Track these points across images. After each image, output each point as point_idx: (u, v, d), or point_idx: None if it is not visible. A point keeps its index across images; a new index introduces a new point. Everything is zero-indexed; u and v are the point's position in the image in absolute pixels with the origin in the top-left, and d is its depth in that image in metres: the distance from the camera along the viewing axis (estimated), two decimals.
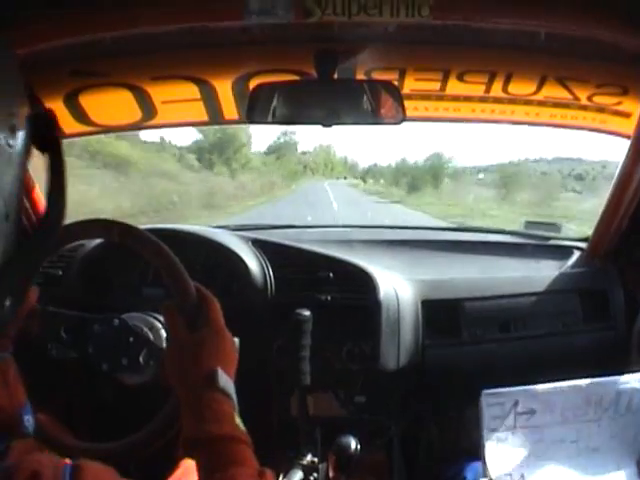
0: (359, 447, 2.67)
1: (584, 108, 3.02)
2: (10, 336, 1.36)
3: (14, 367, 1.22)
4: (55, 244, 1.84)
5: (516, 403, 1.75)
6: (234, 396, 1.66)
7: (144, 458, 1.88)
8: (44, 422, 1.82)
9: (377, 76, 2.81)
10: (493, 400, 1.75)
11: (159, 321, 2.21)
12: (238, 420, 1.62)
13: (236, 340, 2.05)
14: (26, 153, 1.21)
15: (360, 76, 2.79)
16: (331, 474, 2.67)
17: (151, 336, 2.12)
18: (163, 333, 2.18)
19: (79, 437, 2.13)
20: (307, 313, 2.66)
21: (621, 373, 2.25)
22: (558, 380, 2.29)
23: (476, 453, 2.09)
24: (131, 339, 2.07)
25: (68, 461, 1.10)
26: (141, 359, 2.06)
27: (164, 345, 2.13)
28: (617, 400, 1.75)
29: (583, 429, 1.75)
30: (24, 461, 1.05)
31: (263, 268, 2.97)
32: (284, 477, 2.64)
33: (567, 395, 1.75)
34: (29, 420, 1.22)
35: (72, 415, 2.53)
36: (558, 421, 1.75)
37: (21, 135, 1.18)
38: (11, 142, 1.14)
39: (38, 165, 1.29)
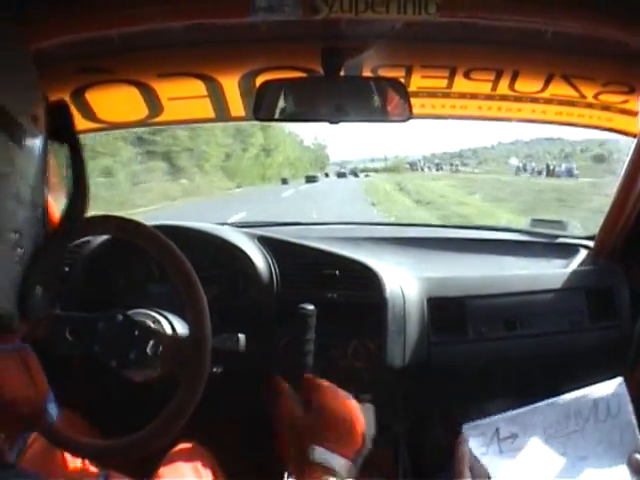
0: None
1: (590, 106, 3.02)
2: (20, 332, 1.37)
3: (35, 357, 1.22)
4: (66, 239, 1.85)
5: (497, 430, 1.76)
6: (335, 465, 1.76)
7: (155, 450, 1.89)
8: (62, 418, 1.83)
9: (384, 73, 2.81)
10: (475, 432, 1.76)
11: (164, 316, 2.22)
12: None
13: (241, 337, 2.06)
14: (47, 144, 1.24)
15: (367, 73, 2.79)
16: None
17: (154, 345, 2.12)
18: (167, 327, 2.19)
19: (95, 433, 2.14)
20: (311, 307, 2.67)
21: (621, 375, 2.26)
22: (562, 379, 2.30)
23: None
24: (136, 333, 2.07)
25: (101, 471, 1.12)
26: (148, 351, 2.07)
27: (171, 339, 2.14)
28: (595, 408, 1.76)
29: (568, 442, 1.76)
30: None
31: (269, 265, 2.97)
32: (289, 476, 2.64)
33: (546, 413, 1.76)
34: (53, 409, 1.24)
35: (86, 411, 2.53)
36: (542, 439, 1.76)
37: (42, 124, 1.22)
38: (35, 132, 1.18)
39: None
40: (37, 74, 1.25)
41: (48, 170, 1.25)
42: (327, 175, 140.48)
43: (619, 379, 1.78)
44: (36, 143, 1.19)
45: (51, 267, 1.24)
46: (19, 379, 1.15)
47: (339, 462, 1.71)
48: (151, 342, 2.08)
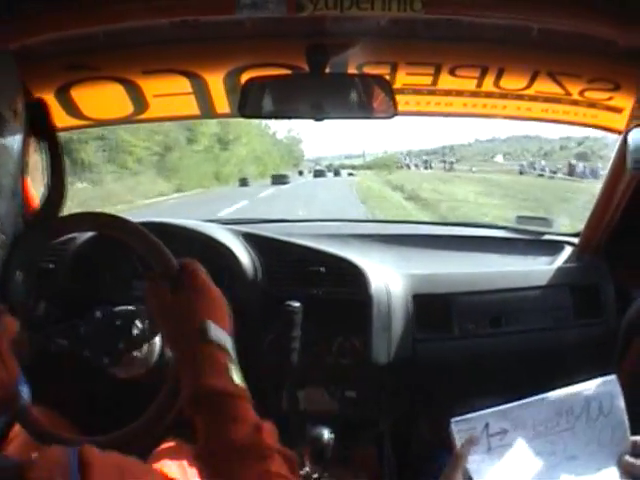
0: (333, 438, 2.67)
1: (576, 103, 3.02)
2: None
3: (6, 339, 1.22)
4: (45, 239, 1.85)
5: (487, 425, 1.75)
6: (230, 348, 1.66)
7: (140, 448, 1.88)
8: (40, 416, 1.82)
9: (369, 70, 2.81)
10: (463, 426, 1.74)
11: (149, 312, 2.22)
12: (235, 373, 1.62)
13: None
14: (26, 138, 1.29)
15: (352, 70, 2.79)
16: (308, 466, 2.67)
17: (139, 324, 2.12)
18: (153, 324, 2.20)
19: (74, 431, 2.13)
20: (297, 305, 2.67)
21: (607, 371, 2.25)
22: (548, 376, 2.29)
23: None
24: (118, 328, 2.08)
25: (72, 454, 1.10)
26: (132, 347, 2.07)
27: (156, 336, 2.14)
28: (587, 406, 1.75)
29: (558, 440, 1.75)
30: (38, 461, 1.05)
31: (254, 262, 2.97)
32: None
33: (537, 409, 1.75)
34: (24, 391, 1.23)
35: (66, 409, 2.53)
36: (531, 436, 1.75)
37: (22, 119, 1.27)
38: (15, 126, 1.23)
39: None
40: (17, 70, 1.27)
41: (26, 163, 1.28)
42: (301, 173, 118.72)
43: (612, 376, 1.77)
44: (15, 137, 1.23)
45: (31, 254, 1.27)
46: None
47: (229, 340, 1.68)
48: (134, 338, 2.08)
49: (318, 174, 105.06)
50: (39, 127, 1.36)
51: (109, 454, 1.14)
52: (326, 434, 2.67)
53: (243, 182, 71.24)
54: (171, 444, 2.34)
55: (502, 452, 1.73)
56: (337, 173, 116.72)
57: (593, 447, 1.74)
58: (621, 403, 1.74)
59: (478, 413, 1.74)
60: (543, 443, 1.75)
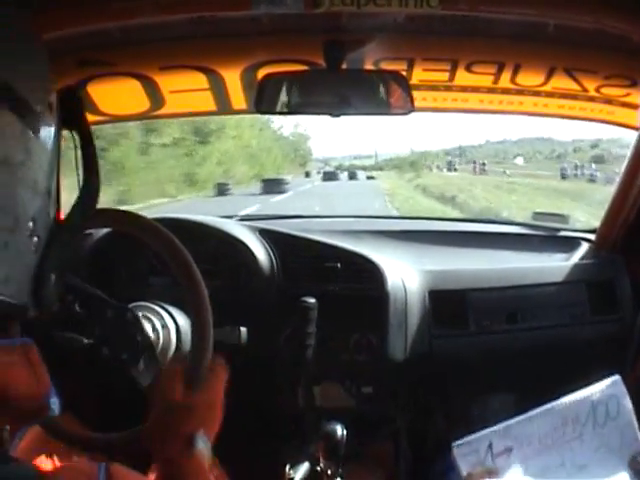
0: (346, 434, 2.67)
1: (592, 99, 3.02)
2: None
3: (37, 351, 1.22)
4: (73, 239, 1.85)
5: (490, 446, 1.72)
6: (209, 457, 1.68)
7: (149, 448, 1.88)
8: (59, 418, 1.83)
9: (385, 66, 2.81)
10: (466, 449, 1.71)
11: (165, 309, 2.23)
12: (215, 473, 1.67)
13: (243, 330, 2.06)
14: (60, 132, 1.26)
15: (368, 66, 2.79)
16: (322, 463, 2.67)
17: (157, 324, 2.13)
18: (169, 320, 2.20)
19: (86, 426, 2.14)
20: (312, 301, 2.67)
21: (623, 367, 2.24)
22: (564, 372, 2.28)
23: None
24: (134, 326, 2.08)
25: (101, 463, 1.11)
26: (147, 345, 2.08)
27: (172, 332, 2.15)
28: (594, 412, 1.72)
29: (566, 451, 1.72)
30: (60, 471, 1.06)
31: (271, 258, 2.97)
32: (291, 468, 2.64)
33: (541, 422, 1.72)
34: (55, 403, 1.23)
35: (79, 405, 2.54)
36: (538, 450, 1.72)
37: (56, 112, 1.24)
38: (49, 120, 1.19)
39: None
40: (48, 62, 1.26)
41: (60, 159, 1.26)
42: (308, 175, 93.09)
43: (616, 377, 1.74)
44: (50, 131, 1.20)
45: (64, 255, 1.25)
46: (22, 374, 1.14)
47: (209, 445, 1.68)
48: (151, 336, 2.09)
49: (329, 177, 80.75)
50: (71, 120, 1.34)
51: (135, 474, 1.15)
52: (339, 430, 2.67)
53: (221, 189, 50.40)
54: None
55: (510, 472, 1.70)
56: (353, 176, 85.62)
57: (603, 453, 1.72)
58: (628, 403, 1.72)
59: (480, 433, 1.70)
60: (551, 455, 1.72)
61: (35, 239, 1.15)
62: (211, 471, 1.63)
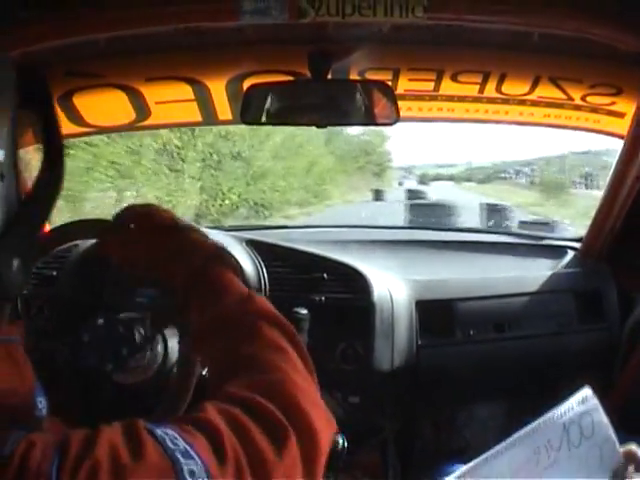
0: (346, 445, 2.66)
1: (578, 108, 3.02)
2: (20, 325, 1.35)
3: (22, 350, 1.20)
4: (49, 245, 1.84)
5: None
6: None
7: None
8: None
9: (371, 76, 2.81)
10: None
11: (151, 319, 2.23)
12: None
13: None
14: (15, 109, 1.21)
15: (354, 76, 2.79)
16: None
17: (142, 330, 2.13)
18: (157, 331, 2.20)
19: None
20: (305, 312, 2.67)
21: (611, 375, 2.24)
22: (551, 381, 2.28)
23: (470, 453, 2.08)
24: (121, 335, 2.07)
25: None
26: (136, 354, 2.07)
27: (159, 342, 2.15)
28: (567, 434, 1.67)
29: (543, 479, 1.68)
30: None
31: (257, 268, 2.97)
32: None
33: (511, 455, 1.66)
34: (42, 402, 1.21)
35: (69, 415, 2.53)
36: None
37: (8, 91, 1.20)
38: (5, 95, 1.17)
39: None
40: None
41: (18, 139, 1.22)
42: (379, 196, 51.75)
43: (586, 392, 1.71)
44: (4, 109, 1.18)
45: (27, 238, 1.21)
46: (6, 373, 1.13)
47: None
48: (138, 344, 2.08)
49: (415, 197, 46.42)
50: (32, 96, 1.29)
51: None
52: (340, 441, 2.67)
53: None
54: None
55: None
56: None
57: (583, 473, 1.68)
58: (603, 417, 1.67)
59: (447, 478, 1.66)
60: None
61: None
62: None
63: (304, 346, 1.45)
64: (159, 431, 1.06)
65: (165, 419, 1.68)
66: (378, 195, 51.86)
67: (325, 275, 2.94)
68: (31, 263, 1.22)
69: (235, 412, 1.14)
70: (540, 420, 1.64)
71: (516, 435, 1.61)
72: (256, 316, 1.43)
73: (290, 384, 1.26)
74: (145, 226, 1.64)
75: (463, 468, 1.59)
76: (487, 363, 3.09)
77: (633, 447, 1.68)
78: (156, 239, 1.62)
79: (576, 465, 1.64)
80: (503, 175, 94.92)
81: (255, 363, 1.30)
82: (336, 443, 2.67)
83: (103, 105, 2.96)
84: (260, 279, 2.95)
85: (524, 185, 75.49)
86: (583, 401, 1.67)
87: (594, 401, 1.66)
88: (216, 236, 2.94)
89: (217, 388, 1.26)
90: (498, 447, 1.59)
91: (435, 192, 54.38)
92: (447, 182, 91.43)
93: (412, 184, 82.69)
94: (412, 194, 49.61)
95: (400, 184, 74.94)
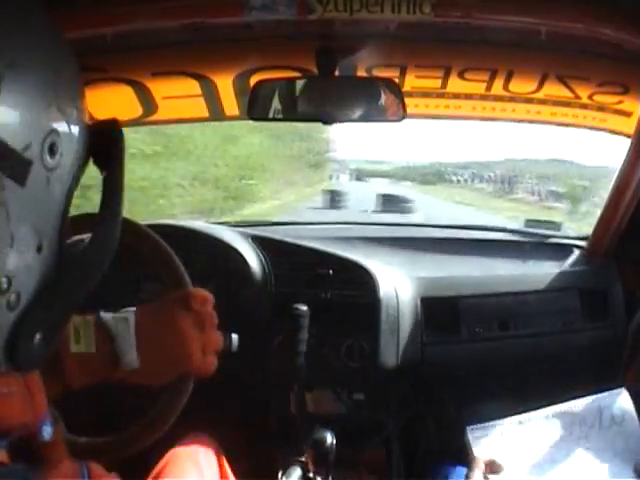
0: (334, 442, 2.66)
1: (585, 107, 3.02)
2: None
3: (39, 380, 1.17)
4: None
5: (502, 435, 1.76)
6: None
7: (138, 452, 1.88)
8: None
9: (378, 73, 2.81)
10: (479, 434, 1.75)
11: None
12: None
13: (235, 336, 2.05)
14: (74, 174, 1.11)
15: (361, 73, 2.79)
16: (311, 469, 2.67)
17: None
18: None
19: (74, 432, 2.13)
20: (304, 308, 2.67)
21: (615, 373, 2.25)
22: (556, 378, 2.29)
23: None
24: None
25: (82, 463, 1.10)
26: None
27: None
28: (600, 416, 1.75)
29: (573, 447, 1.75)
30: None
31: (263, 265, 2.97)
32: (283, 474, 2.63)
33: (551, 420, 1.75)
34: (47, 430, 1.19)
35: (66, 410, 2.53)
36: (547, 445, 1.75)
37: (67, 151, 1.07)
38: (49, 162, 1.02)
39: None
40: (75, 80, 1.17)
41: (68, 206, 1.10)
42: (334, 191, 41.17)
43: (621, 389, 1.77)
44: (50, 178, 1.03)
45: (56, 313, 1.13)
46: (17, 405, 1.11)
47: None
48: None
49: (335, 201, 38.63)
50: (102, 157, 1.19)
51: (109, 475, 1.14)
52: (329, 437, 2.66)
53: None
54: (175, 453, 2.33)
55: (519, 463, 1.73)
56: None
57: (609, 454, 1.74)
58: (633, 414, 1.74)
59: (493, 422, 1.73)
60: (558, 452, 1.75)
61: (12, 296, 1.02)
62: None
63: None
64: None
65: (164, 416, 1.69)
66: (334, 200, 37.19)
67: (331, 272, 2.94)
68: (55, 337, 1.15)
69: None
70: (577, 401, 1.72)
71: (555, 407, 1.70)
72: None
73: None
74: None
75: (511, 418, 1.68)
76: (492, 361, 3.09)
77: None
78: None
79: (603, 444, 1.74)
80: (447, 177, 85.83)
81: None
82: (324, 439, 2.67)
83: (110, 100, 2.96)
84: (266, 276, 2.95)
85: (472, 187, 71.44)
86: (619, 394, 1.75)
87: (628, 399, 1.74)
88: (222, 232, 2.95)
89: None
90: (540, 411, 1.69)
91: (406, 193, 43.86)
92: (383, 179, 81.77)
93: (345, 179, 77.04)
94: (387, 203, 35.93)
95: (331, 178, 66.97)
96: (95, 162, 1.18)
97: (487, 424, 1.75)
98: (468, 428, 1.75)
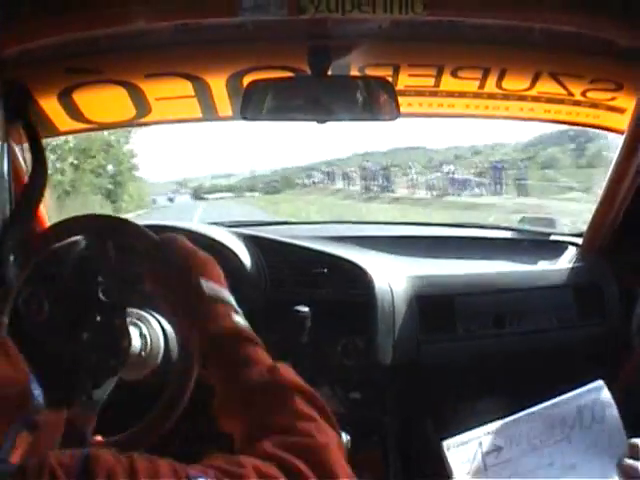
0: (350, 441, 2.67)
1: (578, 104, 3.02)
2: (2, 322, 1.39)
3: (11, 343, 1.22)
4: (48, 242, 1.86)
5: (480, 444, 1.75)
6: (229, 299, 1.78)
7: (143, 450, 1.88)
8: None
9: (371, 72, 2.81)
10: (456, 447, 1.74)
11: (153, 315, 2.23)
12: (240, 319, 1.73)
13: None
14: (4, 120, 1.29)
15: (354, 72, 2.79)
16: None
17: (145, 329, 2.13)
18: (156, 326, 2.21)
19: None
20: (305, 310, 2.67)
21: (611, 371, 2.25)
22: (551, 376, 2.29)
23: None
24: (119, 333, 2.08)
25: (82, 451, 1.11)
26: (136, 349, 2.08)
27: (160, 338, 2.16)
28: (580, 415, 1.74)
29: (555, 451, 1.74)
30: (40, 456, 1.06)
31: (258, 264, 2.97)
32: None
33: (530, 424, 1.74)
34: (37, 391, 1.22)
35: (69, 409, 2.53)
36: (527, 450, 1.74)
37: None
38: None
39: None
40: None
41: (8, 143, 1.30)
42: None
43: (599, 383, 1.76)
44: None
45: (20, 235, 1.27)
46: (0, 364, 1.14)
47: (226, 293, 1.72)
48: (138, 340, 2.09)
49: None
50: (17, 112, 1.41)
51: (116, 457, 1.14)
52: (344, 437, 2.67)
53: None
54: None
55: (499, 472, 1.72)
56: None
57: (591, 454, 1.73)
58: (613, 410, 1.74)
59: (470, 433, 1.73)
60: (540, 456, 1.74)
61: None
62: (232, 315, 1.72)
63: (331, 414, 1.54)
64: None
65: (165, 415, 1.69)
66: None
67: (326, 271, 2.94)
68: (24, 257, 1.28)
69: (271, 470, 1.19)
70: (556, 400, 1.71)
71: (535, 408, 1.69)
72: (285, 387, 1.48)
73: (322, 449, 1.32)
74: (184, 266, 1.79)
75: (487, 426, 1.67)
76: (488, 358, 3.10)
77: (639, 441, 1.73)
78: (184, 289, 1.75)
79: (586, 444, 1.73)
80: (297, 182, 73.69)
81: (289, 429, 1.35)
82: (340, 440, 2.68)
83: (104, 101, 2.96)
84: (261, 275, 2.96)
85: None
86: (596, 390, 1.73)
87: (607, 393, 1.73)
88: (217, 232, 2.95)
89: (248, 444, 1.33)
90: (518, 415, 1.68)
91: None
92: (226, 194, 72.60)
93: (185, 199, 72.07)
94: None
95: (170, 200, 65.44)
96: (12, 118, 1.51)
97: (463, 436, 1.74)
98: (444, 443, 1.75)
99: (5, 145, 1.27)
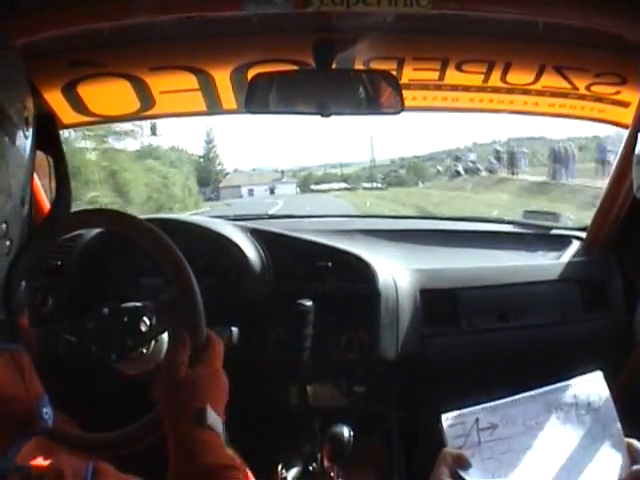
0: (352, 436, 2.67)
1: (583, 98, 3.02)
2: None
3: (28, 359, 1.21)
4: (53, 235, 1.87)
5: (477, 420, 1.76)
6: (221, 431, 1.70)
7: (143, 448, 1.88)
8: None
9: (375, 66, 2.81)
10: (453, 421, 1.75)
11: (154, 308, 2.23)
12: (229, 451, 1.67)
13: (234, 330, 2.06)
14: (34, 147, 1.32)
15: (358, 66, 2.79)
16: (325, 464, 2.68)
17: (147, 320, 2.13)
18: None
19: (80, 427, 2.14)
20: (309, 303, 2.67)
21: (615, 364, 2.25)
22: (555, 370, 2.29)
23: None
24: (126, 324, 2.07)
25: (89, 462, 1.11)
26: (140, 342, 2.08)
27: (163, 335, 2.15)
28: (576, 402, 1.75)
29: (549, 434, 1.76)
30: (48, 461, 1.06)
31: (262, 258, 2.96)
32: (283, 467, 2.64)
33: (526, 406, 1.75)
34: (48, 413, 1.21)
35: (72, 405, 2.53)
36: (522, 431, 1.75)
37: (33, 128, 1.29)
38: (27, 133, 1.25)
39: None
40: (27, 79, 1.30)
41: (34, 170, 1.32)
42: None
43: (598, 374, 1.77)
44: (26, 145, 1.26)
45: (36, 262, 1.28)
46: (10, 379, 1.14)
47: (220, 423, 1.71)
48: (142, 334, 2.08)
49: None
50: (47, 143, 1.43)
51: (121, 475, 1.15)
52: (346, 432, 2.67)
53: None
54: None
55: (492, 447, 1.73)
56: None
57: (587, 441, 1.74)
58: (610, 402, 1.74)
59: (468, 409, 1.74)
60: (534, 437, 1.75)
61: (7, 242, 1.19)
62: (224, 447, 1.65)
63: None
64: None
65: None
66: None
67: (330, 264, 2.94)
68: (35, 283, 1.32)
69: None
70: (554, 386, 1.71)
71: (531, 392, 1.70)
72: None
73: None
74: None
75: (484, 405, 1.68)
76: (491, 352, 3.10)
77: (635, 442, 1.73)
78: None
79: (581, 431, 1.73)
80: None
81: None
82: (341, 434, 2.68)
83: (108, 94, 2.97)
84: (265, 268, 2.95)
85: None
86: (595, 380, 1.74)
87: (604, 385, 1.73)
88: (222, 225, 2.95)
89: None
90: (515, 397, 1.69)
91: None
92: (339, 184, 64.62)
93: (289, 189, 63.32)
94: None
95: (271, 191, 60.19)
96: (41, 147, 1.46)
97: (461, 411, 1.75)
98: (443, 416, 1.76)
99: (31, 172, 1.29)
